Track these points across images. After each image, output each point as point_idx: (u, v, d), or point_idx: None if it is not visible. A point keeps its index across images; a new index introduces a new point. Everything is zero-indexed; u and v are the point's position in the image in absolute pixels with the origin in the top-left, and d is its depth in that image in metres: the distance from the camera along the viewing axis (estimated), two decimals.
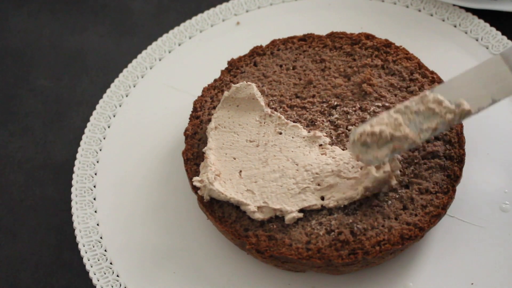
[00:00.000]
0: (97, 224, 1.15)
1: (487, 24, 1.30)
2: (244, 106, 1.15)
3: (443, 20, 1.34)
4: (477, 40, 1.30)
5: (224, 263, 1.10)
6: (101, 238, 1.14)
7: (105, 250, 1.12)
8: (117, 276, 1.09)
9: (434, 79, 1.16)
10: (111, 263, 1.11)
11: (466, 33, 1.31)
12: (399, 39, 1.28)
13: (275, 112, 1.14)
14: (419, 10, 1.37)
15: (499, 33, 1.29)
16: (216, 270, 1.10)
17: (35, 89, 1.43)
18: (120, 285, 1.08)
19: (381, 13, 1.38)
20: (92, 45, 1.50)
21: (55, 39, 1.52)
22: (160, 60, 1.38)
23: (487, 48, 1.28)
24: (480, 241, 1.08)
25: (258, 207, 1.04)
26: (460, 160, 1.07)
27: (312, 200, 1.04)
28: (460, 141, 1.09)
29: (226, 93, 1.15)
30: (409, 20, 1.36)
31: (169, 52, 1.39)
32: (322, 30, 1.30)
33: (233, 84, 1.16)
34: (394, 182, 1.03)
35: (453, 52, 1.29)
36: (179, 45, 1.40)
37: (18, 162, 1.32)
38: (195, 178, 1.07)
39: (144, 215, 1.17)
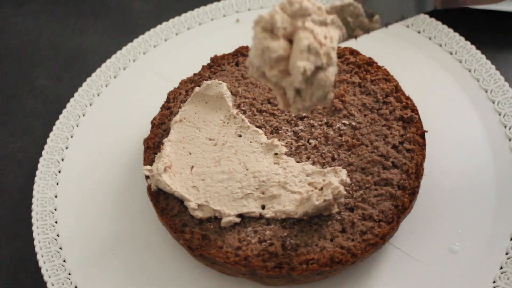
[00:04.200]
0: (55, 220, 1.17)
1: (478, 52, 1.28)
2: (212, 104, 1.16)
3: (441, 46, 1.30)
4: (461, 63, 1.28)
5: (163, 255, 1.11)
6: (57, 235, 1.15)
7: (59, 236, 1.14)
8: (64, 261, 1.11)
9: (407, 105, 1.13)
10: (60, 248, 1.13)
11: (460, 61, 1.27)
12: (389, 58, 1.25)
13: (240, 114, 1.14)
14: (419, 32, 1.33)
15: (488, 62, 1.26)
16: (153, 260, 1.11)
17: (35, 89, 1.45)
18: (65, 270, 1.10)
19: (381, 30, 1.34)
20: (92, 45, 1.51)
21: (55, 39, 1.54)
22: (154, 47, 1.40)
23: (478, 81, 1.23)
24: (418, 277, 1.05)
25: (199, 205, 1.05)
26: (412, 193, 1.04)
27: (252, 207, 1.04)
28: (417, 173, 1.06)
29: (197, 89, 1.16)
30: (406, 40, 1.32)
31: (165, 40, 1.41)
32: None
33: (204, 81, 1.17)
34: (335, 210, 1.01)
35: (440, 76, 1.27)
36: (176, 34, 1.42)
37: (18, 162, 1.33)
38: (146, 167, 1.09)
39: (103, 202, 1.19)
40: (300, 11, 0.82)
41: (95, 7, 1.59)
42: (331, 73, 0.83)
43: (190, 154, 1.11)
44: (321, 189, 1.02)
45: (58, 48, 1.52)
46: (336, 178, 1.02)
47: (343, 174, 1.04)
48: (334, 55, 0.83)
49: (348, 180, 1.03)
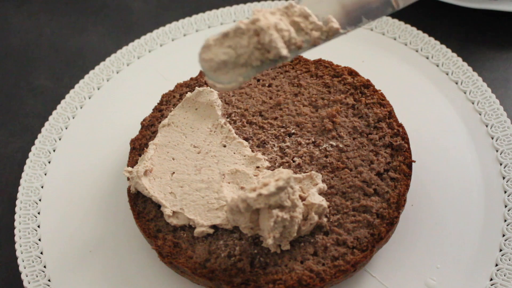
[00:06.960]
0: (38, 222, 1.17)
1: (480, 78, 1.25)
2: (201, 111, 1.15)
3: (447, 74, 1.27)
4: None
5: (144, 262, 1.10)
6: (39, 240, 1.15)
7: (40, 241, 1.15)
8: (44, 267, 1.11)
9: (398, 133, 1.10)
10: (41, 253, 1.13)
11: (465, 92, 1.24)
12: (390, 80, 1.24)
13: (227, 124, 1.13)
14: (427, 58, 1.30)
15: (494, 97, 1.22)
16: (134, 268, 1.10)
17: (35, 89, 1.45)
18: (45, 275, 1.10)
19: (388, 50, 1.32)
20: (92, 45, 1.51)
21: (55, 39, 1.54)
22: (161, 46, 1.40)
23: (480, 114, 1.21)
24: None
25: (174, 212, 1.05)
26: (390, 223, 1.02)
27: (226, 220, 1.03)
28: (398, 203, 1.03)
29: (188, 94, 1.16)
30: (412, 64, 1.30)
31: (172, 40, 1.41)
32: (320, 54, 1.26)
33: (197, 87, 1.17)
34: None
35: (439, 103, 1.25)
36: (184, 35, 1.42)
37: (18, 162, 1.33)
38: (126, 168, 1.09)
39: (88, 205, 1.18)
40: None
41: (95, 7, 1.59)
42: (298, 211, 0.97)
43: (173, 159, 1.11)
44: (306, 218, 1.00)
45: (58, 48, 1.52)
46: (315, 192, 1.00)
47: (319, 179, 1.03)
48: (298, 201, 0.97)
49: (325, 204, 1.01)
